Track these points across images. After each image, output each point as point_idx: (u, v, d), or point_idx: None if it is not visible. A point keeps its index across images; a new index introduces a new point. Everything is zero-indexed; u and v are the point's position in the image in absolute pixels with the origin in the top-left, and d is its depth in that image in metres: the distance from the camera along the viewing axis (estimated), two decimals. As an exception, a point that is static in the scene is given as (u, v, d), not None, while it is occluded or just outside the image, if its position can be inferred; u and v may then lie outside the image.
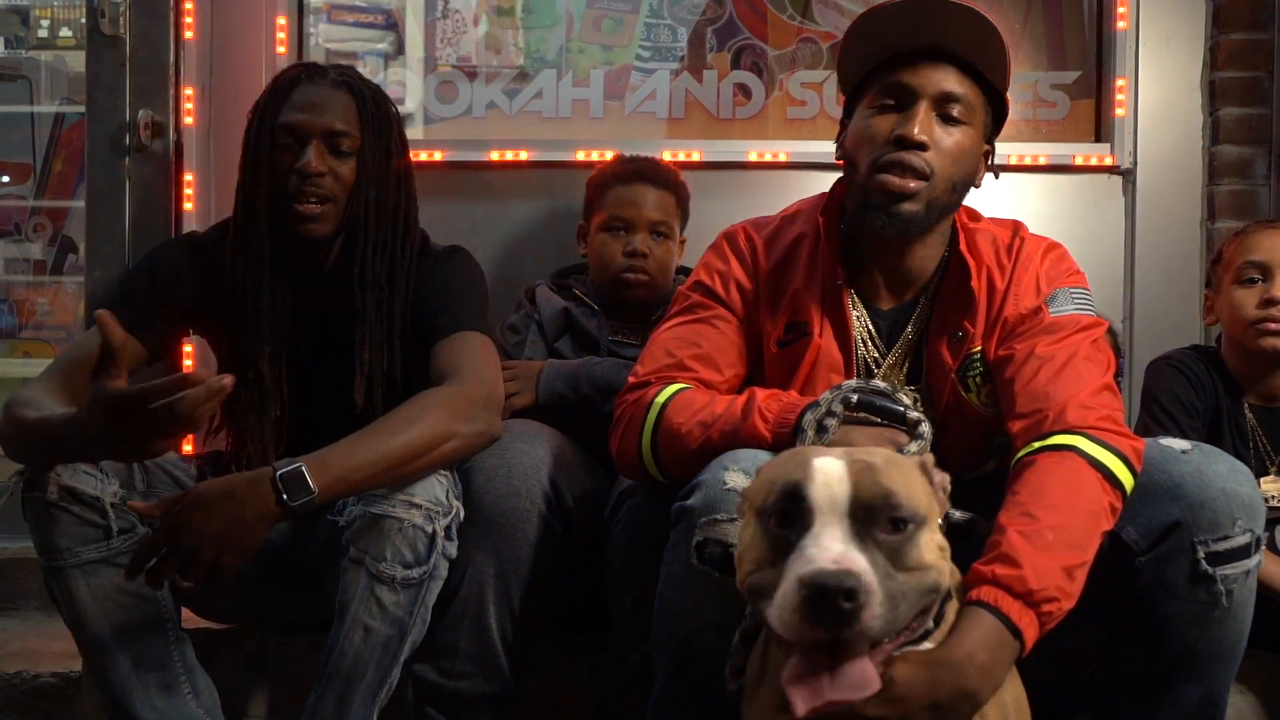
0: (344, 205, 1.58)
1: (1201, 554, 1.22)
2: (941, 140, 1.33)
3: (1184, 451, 1.27)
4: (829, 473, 0.92)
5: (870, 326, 1.44)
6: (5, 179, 2.66)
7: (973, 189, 1.43)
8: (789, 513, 0.91)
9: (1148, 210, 2.22)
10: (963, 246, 1.41)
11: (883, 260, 1.43)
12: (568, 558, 1.54)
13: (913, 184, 1.32)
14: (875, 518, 0.91)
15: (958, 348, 1.40)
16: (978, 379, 1.40)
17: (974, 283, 1.38)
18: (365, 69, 2.27)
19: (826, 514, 0.90)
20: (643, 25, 2.29)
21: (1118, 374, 2.07)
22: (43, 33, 2.90)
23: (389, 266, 1.59)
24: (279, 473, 1.29)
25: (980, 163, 1.41)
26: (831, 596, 0.84)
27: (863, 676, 0.88)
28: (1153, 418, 1.70)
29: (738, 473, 1.21)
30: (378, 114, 1.60)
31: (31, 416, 1.34)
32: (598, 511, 1.56)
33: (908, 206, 1.33)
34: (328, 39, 2.30)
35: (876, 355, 1.43)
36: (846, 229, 1.45)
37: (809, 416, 1.24)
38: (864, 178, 1.36)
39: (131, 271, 1.66)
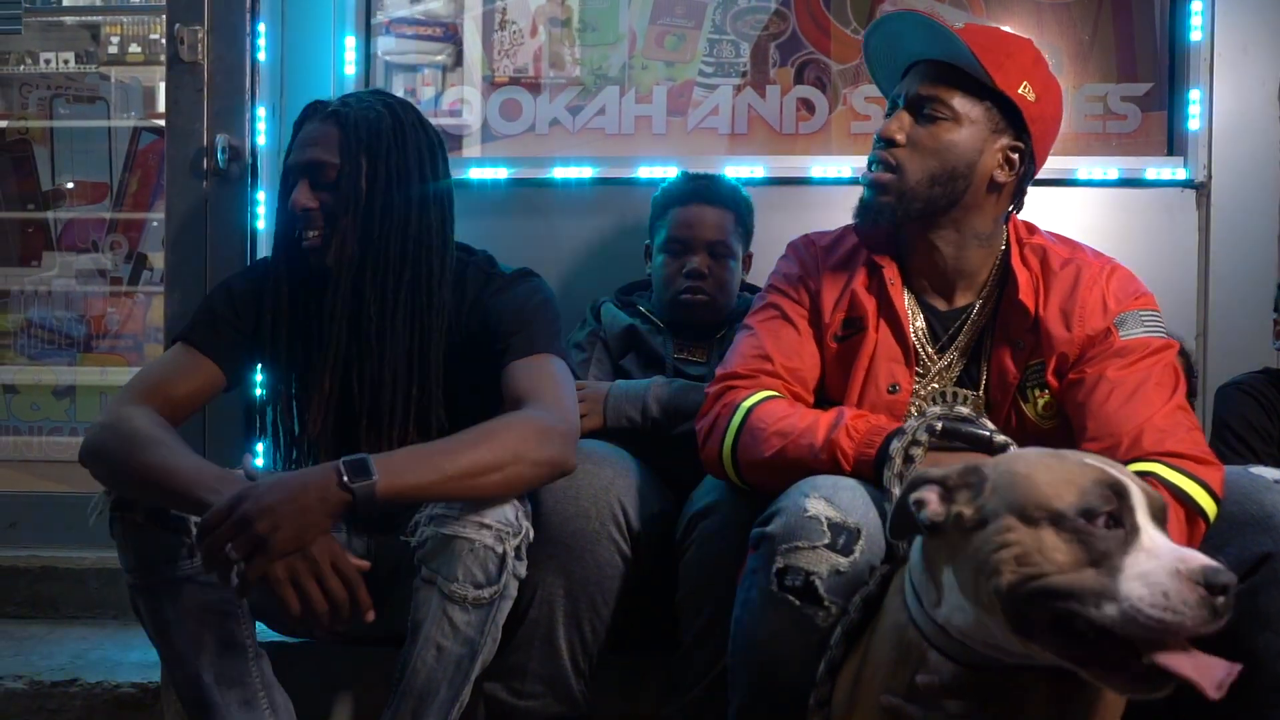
0: (349, 230, 1.55)
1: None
2: (916, 136, 1.41)
3: (1277, 481, 1.25)
4: (1128, 475, 0.96)
5: (925, 324, 1.47)
6: (104, 203, 2.71)
7: (996, 187, 1.44)
8: (1113, 514, 0.93)
9: (1223, 226, 2.16)
10: (1015, 259, 1.44)
11: (914, 258, 1.48)
12: (636, 579, 1.53)
13: (885, 177, 1.42)
14: (1164, 520, 0.96)
15: (1019, 359, 1.41)
16: (1035, 390, 1.41)
17: (1022, 295, 1.41)
18: (424, 81, 2.29)
19: (1143, 515, 0.93)
20: (705, 41, 2.28)
21: (1191, 394, 2.06)
22: (113, 49, 2.97)
23: (380, 301, 1.53)
24: (344, 459, 1.29)
25: (990, 158, 1.42)
26: (1227, 591, 0.88)
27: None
28: (1225, 443, 1.68)
29: (819, 500, 1.21)
30: (371, 141, 1.55)
31: (155, 460, 1.36)
32: (667, 533, 1.55)
33: (875, 196, 1.44)
34: (388, 52, 2.32)
35: (932, 353, 1.47)
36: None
37: (896, 444, 1.24)
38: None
39: (213, 295, 1.67)
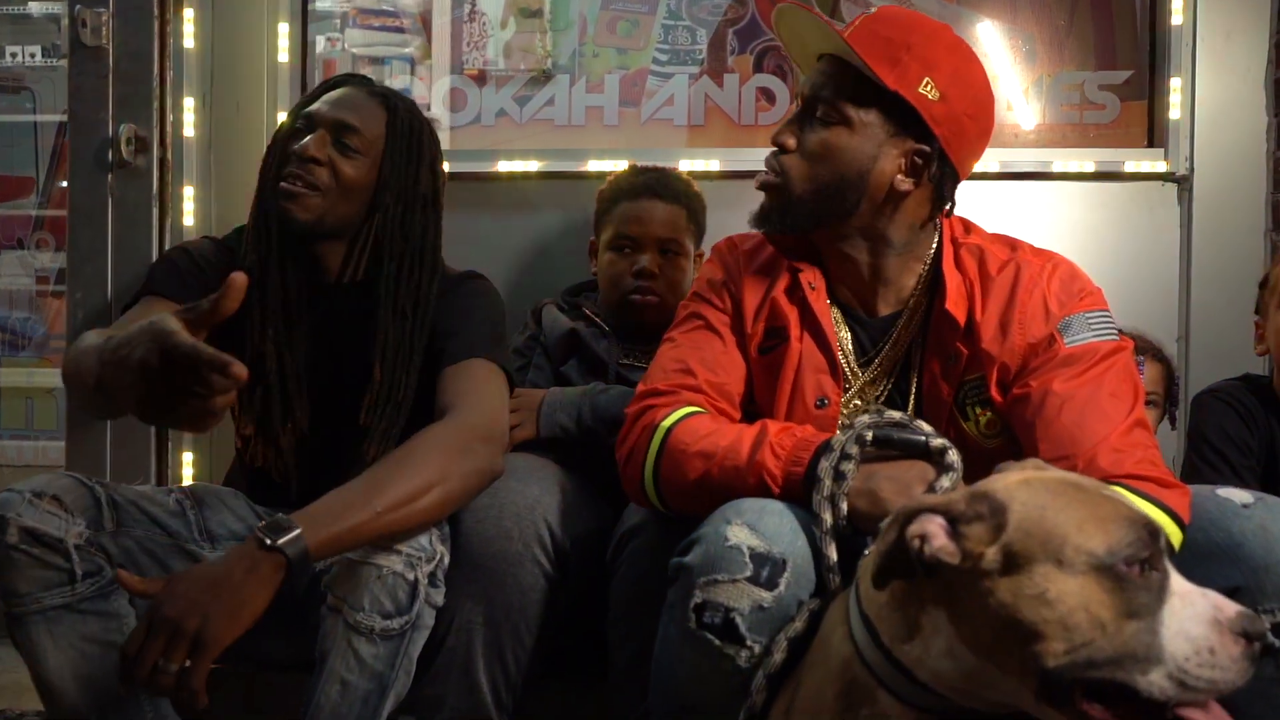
0: (335, 203, 1.52)
1: (1268, 624, 1.08)
2: (806, 142, 1.32)
3: (1245, 506, 1.14)
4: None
5: (850, 335, 1.37)
6: (30, 199, 2.64)
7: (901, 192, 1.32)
8: (1150, 558, 0.85)
9: (1205, 221, 2.07)
10: (947, 263, 1.33)
11: (831, 266, 1.39)
12: (565, 603, 1.45)
13: (771, 182, 1.35)
14: (1172, 553, 0.91)
15: (952, 372, 1.30)
16: (976, 408, 1.30)
17: (950, 304, 1.29)
18: (391, 74, 2.24)
19: (1167, 556, 0.87)
20: (660, 27, 2.21)
21: (1171, 402, 1.95)
22: (76, 41, 2.89)
23: (414, 296, 1.53)
24: (258, 526, 1.21)
25: (888, 165, 1.30)
26: (1260, 639, 0.83)
27: None
28: (1202, 457, 1.57)
29: (741, 527, 1.11)
30: (409, 135, 1.56)
31: (93, 341, 1.25)
32: (600, 551, 1.46)
33: (765, 202, 1.36)
34: (354, 44, 2.26)
35: (856, 369, 1.36)
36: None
37: (824, 464, 1.14)
38: None
39: (167, 254, 1.62)
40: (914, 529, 0.89)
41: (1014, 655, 0.85)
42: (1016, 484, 0.91)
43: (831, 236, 1.35)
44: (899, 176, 1.31)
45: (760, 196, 1.38)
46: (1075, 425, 1.19)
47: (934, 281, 1.34)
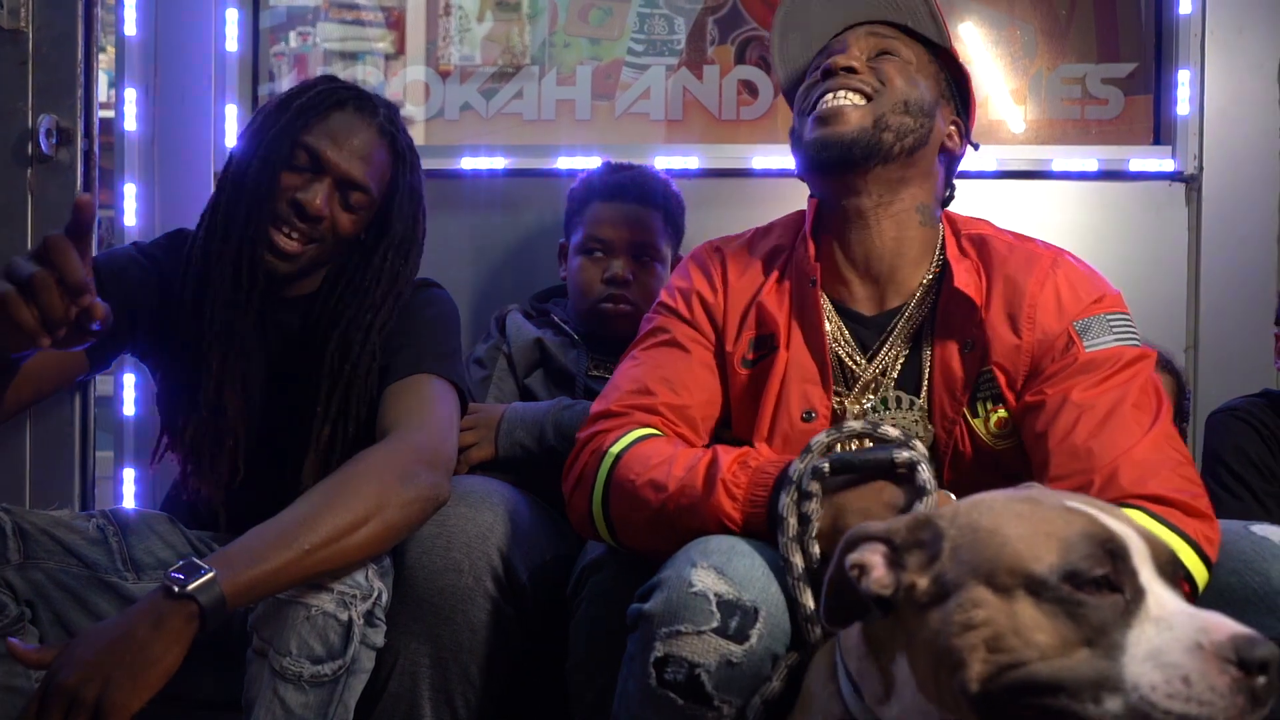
0: (320, 252, 1.44)
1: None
2: (880, 67, 1.24)
3: (1286, 545, 1.01)
4: (1125, 521, 0.79)
5: (847, 333, 1.25)
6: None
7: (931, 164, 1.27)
8: (1107, 577, 0.75)
9: (1215, 223, 1.99)
10: (952, 250, 1.23)
11: (845, 246, 1.26)
12: (521, 642, 1.34)
13: (867, 89, 1.22)
14: (1175, 576, 0.78)
15: (970, 361, 1.19)
16: (987, 403, 1.19)
17: (959, 282, 1.19)
18: (365, 70, 2.17)
19: (1149, 573, 0.76)
20: (635, 15, 2.12)
21: (1181, 419, 1.83)
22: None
23: (382, 329, 1.45)
24: (168, 571, 1.09)
25: (944, 120, 1.27)
26: (1268, 668, 0.70)
27: None
28: (1220, 483, 1.46)
29: (708, 570, 0.98)
30: (412, 185, 1.48)
31: None
32: (561, 584, 1.35)
33: (851, 120, 1.21)
34: (326, 38, 2.19)
35: (861, 360, 1.24)
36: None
37: (784, 500, 1.02)
38: (804, 108, 1.27)
39: None
40: (854, 558, 0.83)
41: (949, 690, 0.76)
42: (966, 506, 0.83)
43: (874, 183, 1.22)
44: (948, 138, 1.28)
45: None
46: (1093, 437, 1.07)
47: (942, 274, 1.24)
